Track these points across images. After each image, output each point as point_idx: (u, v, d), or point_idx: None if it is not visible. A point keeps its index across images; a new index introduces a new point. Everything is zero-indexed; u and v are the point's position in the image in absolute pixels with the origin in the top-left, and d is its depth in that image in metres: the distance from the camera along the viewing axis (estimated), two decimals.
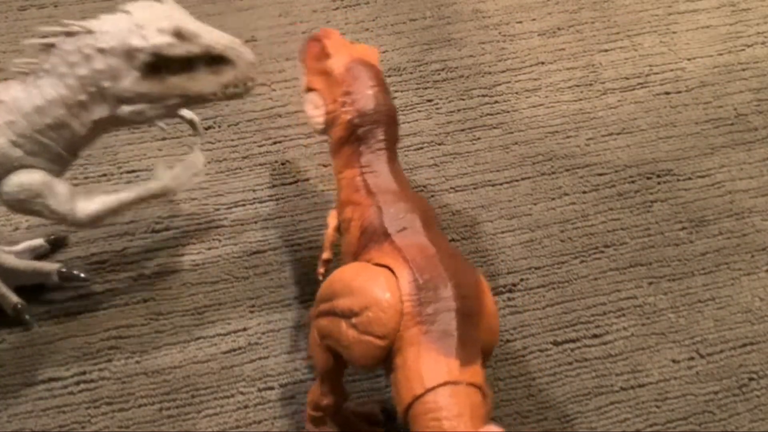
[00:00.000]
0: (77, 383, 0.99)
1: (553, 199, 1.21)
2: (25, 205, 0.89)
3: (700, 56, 1.42)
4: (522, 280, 1.11)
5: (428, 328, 0.79)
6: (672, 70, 1.39)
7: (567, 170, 1.24)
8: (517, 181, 1.23)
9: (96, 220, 0.92)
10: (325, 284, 0.86)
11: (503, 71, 1.38)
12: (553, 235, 1.16)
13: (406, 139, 1.27)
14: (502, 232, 1.16)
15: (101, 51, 0.85)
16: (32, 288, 1.06)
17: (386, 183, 0.91)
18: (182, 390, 0.99)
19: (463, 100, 1.33)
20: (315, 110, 0.96)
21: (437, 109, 1.32)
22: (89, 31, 0.85)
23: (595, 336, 1.06)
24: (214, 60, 0.88)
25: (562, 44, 1.43)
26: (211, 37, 0.87)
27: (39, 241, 1.07)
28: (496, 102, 1.33)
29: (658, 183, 1.23)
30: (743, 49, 1.43)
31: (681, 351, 1.05)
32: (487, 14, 1.47)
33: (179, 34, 0.85)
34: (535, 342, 1.05)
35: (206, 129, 1.26)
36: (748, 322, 1.08)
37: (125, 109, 0.88)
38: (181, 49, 0.86)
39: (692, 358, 1.04)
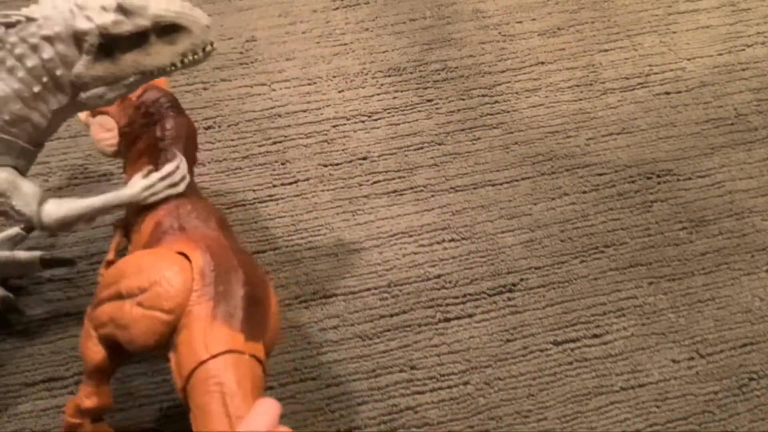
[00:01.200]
0: (77, 383, 0.99)
1: (553, 199, 1.21)
2: None
3: (700, 56, 1.42)
4: (522, 280, 1.11)
5: (216, 304, 0.79)
6: (672, 70, 1.39)
7: (567, 170, 1.24)
8: (517, 181, 1.23)
9: (63, 226, 0.88)
10: (110, 271, 0.85)
11: (503, 71, 1.38)
12: (553, 235, 1.16)
13: (406, 139, 1.27)
14: (502, 232, 1.16)
15: (47, 39, 0.81)
16: (31, 288, 1.06)
17: (185, 192, 0.92)
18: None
19: (463, 100, 1.33)
20: (106, 133, 0.97)
21: (437, 109, 1.32)
22: (31, 19, 0.81)
23: (595, 336, 1.06)
24: (167, 29, 0.84)
25: (562, 44, 1.43)
26: (159, 5, 0.83)
27: (15, 230, 1.05)
28: (496, 102, 1.33)
29: (658, 183, 1.23)
30: (743, 49, 1.43)
31: (681, 351, 1.05)
32: (487, 14, 1.47)
33: (123, 10, 0.81)
34: (535, 342, 1.05)
35: (206, 129, 1.26)
36: (748, 322, 1.08)
37: (83, 95, 0.84)
38: (129, 25, 0.82)
39: (692, 358, 1.04)
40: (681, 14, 1.49)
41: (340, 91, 1.33)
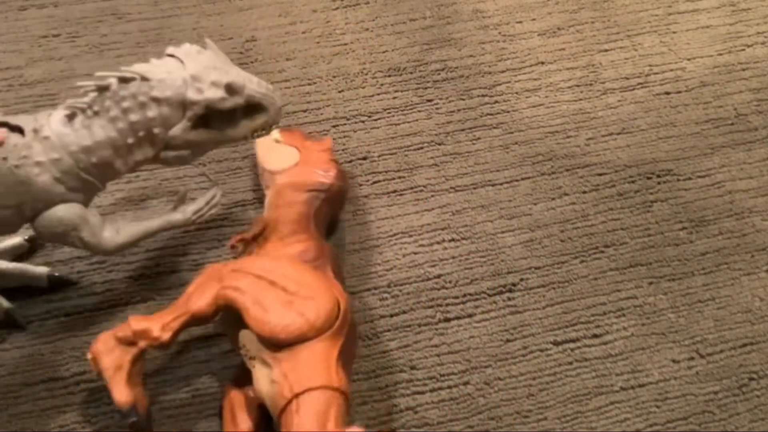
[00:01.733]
0: (77, 383, 0.99)
1: (553, 199, 1.21)
2: (59, 237, 0.91)
3: (700, 56, 1.42)
4: (522, 280, 1.11)
5: (342, 348, 0.91)
6: (672, 70, 1.39)
7: (567, 170, 1.24)
8: (517, 181, 1.23)
9: (121, 249, 0.96)
10: (264, 259, 0.96)
11: (503, 71, 1.38)
12: (553, 235, 1.16)
13: (406, 139, 1.27)
14: (502, 232, 1.16)
15: (156, 100, 0.87)
16: (30, 288, 1.06)
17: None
18: (182, 390, 0.99)
19: (463, 100, 1.33)
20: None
21: (437, 109, 1.32)
22: (145, 79, 0.87)
23: (595, 336, 1.06)
24: (250, 107, 0.91)
25: (562, 44, 1.43)
26: (252, 86, 0.90)
27: (18, 240, 1.07)
28: (496, 102, 1.33)
29: (658, 183, 1.23)
30: (743, 49, 1.43)
31: (681, 351, 1.05)
32: (487, 14, 1.47)
33: (231, 89, 0.88)
34: (535, 342, 1.05)
35: None
36: (748, 322, 1.08)
37: (169, 153, 0.91)
38: (230, 103, 0.89)
39: (692, 358, 1.05)
40: (681, 14, 1.49)
41: (340, 91, 1.33)
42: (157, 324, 0.91)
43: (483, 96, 1.34)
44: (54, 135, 0.88)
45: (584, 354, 1.04)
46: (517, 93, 1.35)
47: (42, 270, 1.05)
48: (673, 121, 1.32)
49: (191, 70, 0.88)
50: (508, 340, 1.05)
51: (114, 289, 1.07)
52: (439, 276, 1.11)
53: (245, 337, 0.91)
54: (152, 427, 0.90)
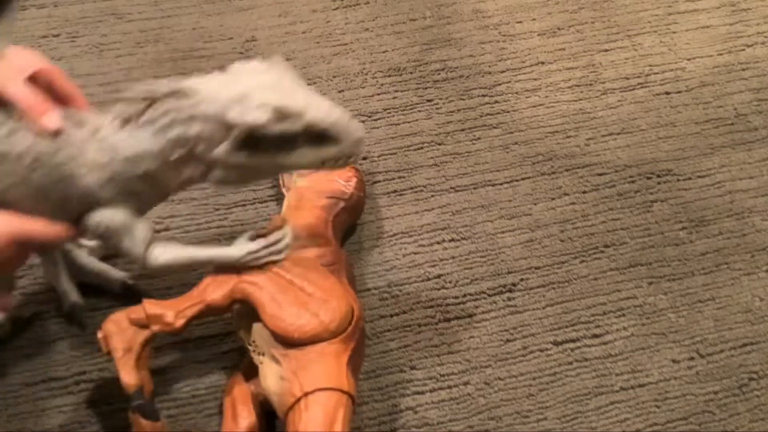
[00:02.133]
0: (77, 383, 0.99)
1: (553, 199, 1.21)
2: (103, 239, 0.89)
3: (700, 56, 1.42)
4: (522, 280, 1.11)
5: (352, 354, 0.91)
6: (672, 70, 1.39)
7: (567, 170, 1.24)
8: (517, 181, 1.23)
9: (166, 270, 0.91)
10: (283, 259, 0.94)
11: (503, 71, 1.38)
12: (553, 235, 1.16)
13: (406, 139, 1.27)
14: (502, 232, 1.16)
15: (199, 117, 0.82)
16: (29, 288, 1.06)
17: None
18: (182, 390, 0.99)
19: (463, 100, 1.33)
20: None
21: (437, 109, 1.32)
22: (191, 93, 0.82)
23: (595, 336, 1.06)
24: (320, 135, 0.84)
25: (562, 44, 1.43)
26: (317, 114, 0.82)
27: None
28: (496, 102, 1.33)
29: (658, 183, 1.23)
30: (743, 49, 1.43)
31: (681, 351, 1.05)
32: (487, 14, 1.47)
33: (280, 113, 0.81)
34: (535, 342, 1.05)
35: None
36: (748, 322, 1.08)
37: (216, 173, 0.85)
38: (279, 128, 0.81)
39: (692, 358, 1.05)
40: (681, 14, 1.49)
41: (340, 91, 1.33)
42: (172, 310, 0.91)
43: (483, 96, 1.34)
44: (108, 139, 0.84)
45: (584, 354, 1.04)
46: (517, 93, 1.35)
47: (120, 275, 1.05)
48: (673, 121, 1.32)
49: (242, 88, 0.82)
50: (508, 340, 1.05)
51: (114, 289, 1.07)
52: (439, 276, 1.11)
53: (256, 332, 0.91)
54: (158, 413, 0.90)
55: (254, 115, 0.80)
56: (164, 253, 0.89)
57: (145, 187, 0.87)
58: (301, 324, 0.87)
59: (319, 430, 0.83)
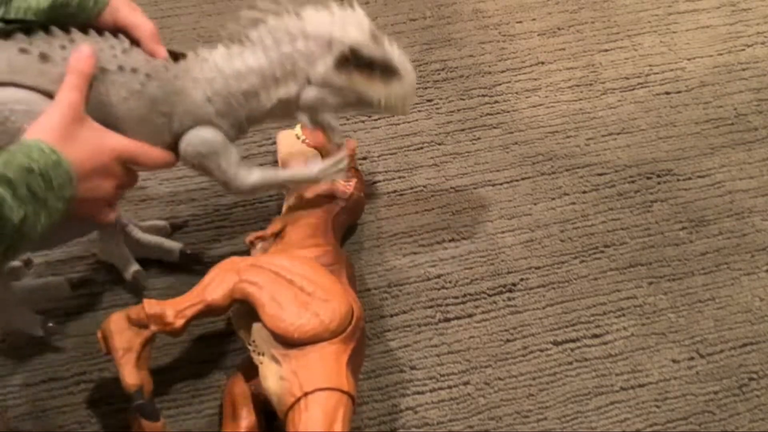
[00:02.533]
0: (77, 383, 0.99)
1: (553, 199, 1.21)
2: (201, 159, 0.94)
3: (700, 56, 1.42)
4: (522, 280, 1.11)
5: (352, 353, 0.91)
6: (672, 70, 1.39)
7: (567, 170, 1.24)
8: (517, 181, 1.23)
9: (253, 190, 0.99)
10: (282, 257, 0.96)
11: (503, 71, 1.38)
12: (553, 235, 1.16)
13: (406, 139, 1.27)
14: (502, 232, 1.16)
15: (305, 34, 0.92)
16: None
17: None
18: (182, 390, 0.99)
19: (463, 100, 1.33)
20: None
21: (437, 109, 1.32)
22: (298, 15, 0.92)
23: (595, 336, 1.06)
24: (387, 70, 0.95)
25: (562, 44, 1.43)
26: (392, 48, 0.95)
27: (163, 223, 1.14)
28: (496, 102, 1.33)
29: (658, 183, 1.23)
30: (743, 49, 1.43)
31: (681, 351, 1.05)
32: (487, 14, 1.47)
33: (375, 38, 0.93)
34: (535, 342, 1.05)
35: None
36: (748, 322, 1.08)
37: (310, 92, 0.94)
38: (371, 51, 0.93)
39: (692, 358, 1.04)
40: (681, 14, 1.49)
41: None
42: (171, 310, 0.91)
43: (483, 96, 1.34)
44: (213, 59, 0.93)
45: (584, 354, 1.04)
46: (517, 93, 1.35)
47: (176, 245, 1.10)
48: (673, 121, 1.32)
49: (341, 17, 0.93)
50: (508, 340, 1.05)
51: (114, 289, 1.07)
52: (439, 276, 1.11)
53: (256, 332, 0.91)
54: (158, 413, 0.90)
55: (355, 34, 0.93)
56: (251, 174, 0.97)
57: (244, 104, 0.95)
58: (301, 324, 0.87)
59: (318, 430, 0.83)
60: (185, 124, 0.93)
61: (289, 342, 0.88)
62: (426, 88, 1.35)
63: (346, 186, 1.09)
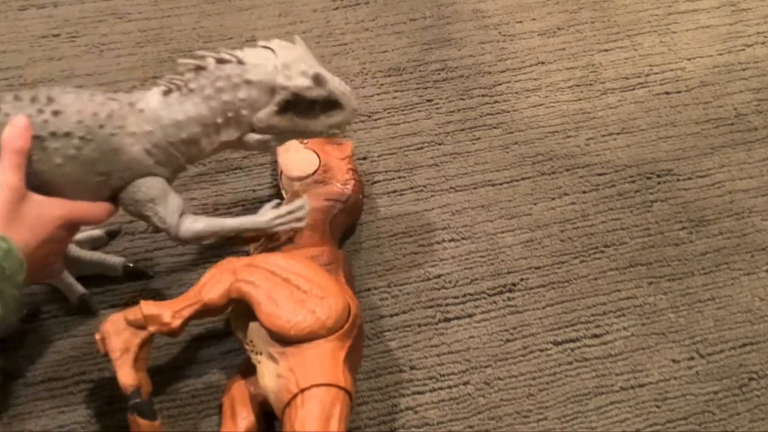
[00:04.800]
0: (77, 383, 0.99)
1: (553, 199, 1.21)
2: (138, 207, 0.93)
3: (700, 56, 1.42)
4: (522, 280, 1.11)
5: (349, 351, 0.91)
6: (672, 70, 1.39)
7: (567, 170, 1.24)
8: (517, 181, 1.23)
9: (196, 239, 0.96)
10: (278, 255, 0.96)
11: (503, 71, 1.38)
12: (553, 235, 1.16)
13: (406, 139, 1.27)
14: (502, 232, 1.16)
15: (248, 82, 0.90)
16: (29, 289, 1.06)
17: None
18: (182, 390, 0.99)
19: (463, 100, 1.33)
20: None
21: (437, 109, 1.32)
22: (240, 62, 0.90)
23: (595, 336, 1.06)
24: (329, 103, 0.94)
25: (562, 44, 1.43)
26: (334, 83, 0.94)
27: (98, 232, 1.11)
28: (496, 102, 1.33)
29: (658, 183, 1.23)
30: (743, 49, 1.43)
31: (681, 351, 1.05)
32: (487, 14, 1.47)
33: (318, 80, 0.91)
34: (535, 342, 1.05)
35: None
36: (748, 322, 1.08)
37: (252, 136, 0.93)
38: (315, 93, 0.92)
39: (692, 358, 1.05)
40: (681, 14, 1.49)
41: None
42: (169, 310, 0.91)
43: (483, 96, 1.34)
44: (149, 109, 0.91)
45: (584, 354, 1.04)
46: (517, 93, 1.35)
47: (118, 260, 1.08)
48: (673, 121, 1.32)
49: (283, 59, 0.91)
50: (508, 340, 1.05)
51: (113, 289, 1.07)
52: (439, 276, 1.11)
53: (253, 331, 0.91)
54: (156, 413, 0.90)
55: (299, 80, 0.91)
56: (195, 223, 0.95)
57: (184, 152, 0.93)
58: (298, 321, 0.87)
59: (315, 426, 0.83)
60: (125, 179, 0.92)
61: (285, 340, 0.88)
62: (426, 88, 1.35)
63: (345, 188, 1.09)
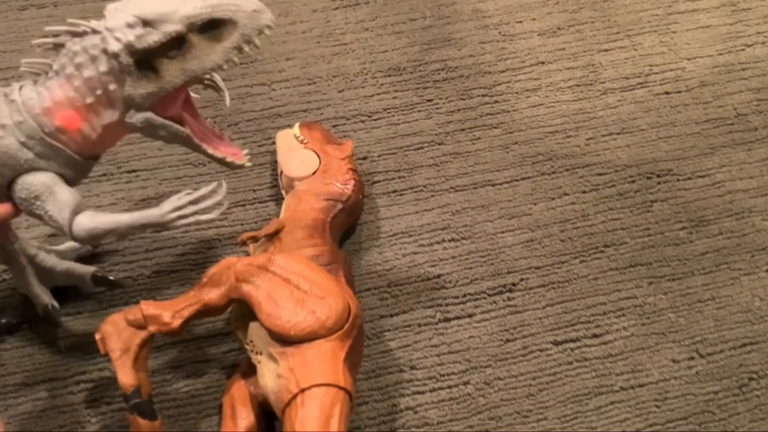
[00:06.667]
0: (77, 383, 0.99)
1: (553, 199, 1.21)
2: (27, 205, 0.86)
3: (700, 56, 1.42)
4: (522, 280, 1.11)
5: (349, 350, 0.92)
6: (672, 70, 1.39)
7: (567, 170, 1.24)
8: (517, 181, 1.23)
9: (92, 238, 0.86)
10: (281, 256, 0.94)
11: (503, 71, 1.38)
12: (553, 235, 1.16)
13: (406, 139, 1.27)
14: (502, 232, 1.16)
15: (105, 52, 0.81)
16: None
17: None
18: (182, 390, 0.99)
19: (463, 100, 1.33)
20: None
21: (437, 109, 1.32)
22: (96, 32, 0.81)
23: (595, 336, 1.06)
24: (209, 26, 0.80)
25: (562, 44, 1.43)
26: (193, 4, 0.79)
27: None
28: (496, 102, 1.33)
29: (658, 183, 1.23)
30: (743, 49, 1.43)
31: (681, 351, 1.05)
32: (487, 14, 1.47)
33: (146, 22, 0.78)
34: (535, 342, 1.05)
35: None
36: (748, 322, 1.08)
37: (138, 115, 0.83)
38: (156, 35, 0.79)
39: (692, 358, 1.05)
40: (681, 14, 1.49)
41: (340, 91, 1.33)
42: (169, 311, 0.91)
43: (483, 96, 1.34)
44: (20, 98, 0.83)
45: (584, 354, 1.04)
46: (517, 93, 1.35)
47: (88, 269, 1.03)
48: (673, 121, 1.32)
49: (108, 22, 0.80)
50: (508, 340, 1.05)
51: (114, 290, 1.07)
52: (439, 276, 1.11)
53: (253, 331, 0.91)
54: (155, 413, 0.90)
55: (126, 34, 0.79)
56: (90, 221, 0.85)
57: (67, 142, 0.85)
58: (298, 321, 0.88)
59: (315, 426, 0.83)
60: (5, 175, 0.84)
61: (285, 340, 0.88)
62: (426, 88, 1.35)
63: (345, 188, 1.09)
